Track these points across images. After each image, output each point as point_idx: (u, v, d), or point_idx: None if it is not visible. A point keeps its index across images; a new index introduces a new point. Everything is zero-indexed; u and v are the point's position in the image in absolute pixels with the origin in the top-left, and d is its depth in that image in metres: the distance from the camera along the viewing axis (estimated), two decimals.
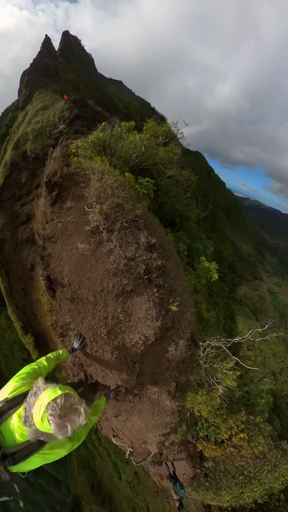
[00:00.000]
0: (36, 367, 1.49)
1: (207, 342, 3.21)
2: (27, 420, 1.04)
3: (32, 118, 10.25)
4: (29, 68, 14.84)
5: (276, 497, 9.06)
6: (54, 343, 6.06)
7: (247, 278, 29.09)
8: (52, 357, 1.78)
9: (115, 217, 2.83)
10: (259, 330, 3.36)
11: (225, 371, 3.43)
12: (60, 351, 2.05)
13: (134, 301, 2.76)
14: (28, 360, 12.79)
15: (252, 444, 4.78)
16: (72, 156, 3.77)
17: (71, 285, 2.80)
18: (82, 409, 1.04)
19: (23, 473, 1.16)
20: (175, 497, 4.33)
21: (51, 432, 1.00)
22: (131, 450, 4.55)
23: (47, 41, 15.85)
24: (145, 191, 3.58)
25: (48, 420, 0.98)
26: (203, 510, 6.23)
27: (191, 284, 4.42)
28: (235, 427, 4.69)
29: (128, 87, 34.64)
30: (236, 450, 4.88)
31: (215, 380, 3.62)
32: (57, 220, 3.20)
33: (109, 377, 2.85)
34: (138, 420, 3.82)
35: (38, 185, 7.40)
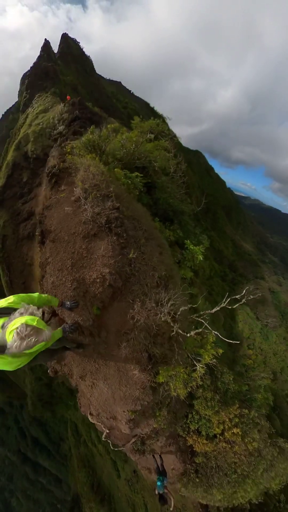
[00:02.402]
0: (33, 296, 1.90)
1: (171, 302, 3.22)
2: (3, 326, 1.40)
3: (33, 121, 10.51)
4: (29, 71, 15.17)
5: (276, 497, 8.97)
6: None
7: (247, 277, 28.95)
8: (46, 298, 2.19)
9: (91, 191, 3.85)
10: (237, 297, 3.44)
11: (200, 342, 3.58)
12: (54, 299, 2.45)
13: (96, 243, 3.60)
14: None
15: (246, 440, 4.52)
16: (67, 155, 4.72)
17: (55, 231, 3.85)
18: (43, 338, 1.39)
19: None
20: (155, 492, 4.22)
21: (10, 339, 1.33)
22: (108, 431, 4.43)
23: (46, 45, 16.19)
24: (129, 181, 4.24)
25: (14, 335, 1.32)
26: (200, 510, 6.16)
27: (187, 276, 4.77)
28: (227, 421, 4.51)
29: (127, 87, 34.94)
30: (229, 446, 4.59)
31: (193, 356, 3.71)
32: (53, 197, 4.37)
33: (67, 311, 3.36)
34: (105, 388, 3.76)
35: (39, 184, 7.61)
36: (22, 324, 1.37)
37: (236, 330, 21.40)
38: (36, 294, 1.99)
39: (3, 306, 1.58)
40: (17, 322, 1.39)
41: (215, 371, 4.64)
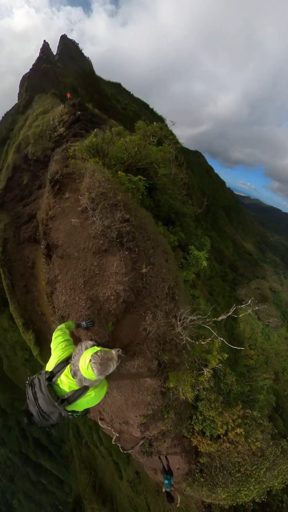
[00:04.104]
0: (63, 337, 1.94)
1: (184, 315, 3.27)
2: (75, 373, 1.48)
3: (33, 122, 10.50)
4: (28, 73, 15.19)
5: (279, 497, 8.96)
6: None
7: (248, 277, 28.89)
8: (65, 327, 2.23)
9: (99, 201, 3.69)
10: (243, 306, 3.44)
11: (207, 347, 3.58)
12: (70, 323, 2.48)
13: (108, 259, 3.50)
14: (30, 360, 12.95)
15: (249, 440, 4.62)
16: (70, 159, 4.60)
17: (63, 246, 3.69)
18: (115, 358, 1.50)
19: (77, 414, 1.60)
20: (163, 490, 4.42)
21: (94, 378, 1.40)
22: (118, 435, 4.51)
23: (45, 47, 16.21)
24: (133, 186, 4.18)
25: (92, 368, 1.39)
26: (203, 510, 6.20)
27: (189, 278, 4.78)
28: (231, 422, 4.57)
29: (127, 89, 34.95)
30: (233, 446, 4.70)
31: (200, 361, 3.75)
32: (57, 206, 4.19)
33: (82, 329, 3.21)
34: (118, 395, 3.80)
35: (40, 186, 7.60)
36: (92, 355, 1.43)
37: (238, 330, 21.35)
38: (61, 333, 2.02)
39: (64, 357, 1.64)
40: (85, 359, 1.44)
41: (218, 372, 4.67)
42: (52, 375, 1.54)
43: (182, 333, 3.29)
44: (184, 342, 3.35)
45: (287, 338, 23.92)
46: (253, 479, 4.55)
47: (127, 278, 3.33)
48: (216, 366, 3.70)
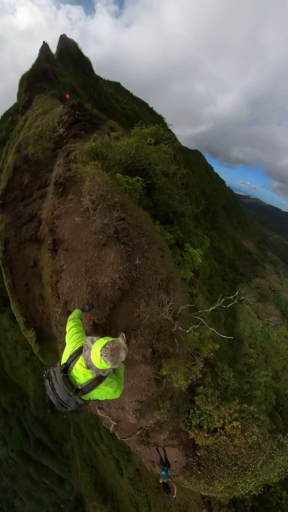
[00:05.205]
0: (77, 329, 2.03)
1: (171, 303, 3.58)
2: (90, 366, 1.57)
3: (32, 123, 10.57)
4: (28, 73, 15.23)
5: (279, 494, 9.06)
6: (55, 340, 6.30)
7: (248, 276, 28.95)
8: (77, 316, 2.39)
9: (99, 202, 4.24)
10: (231, 297, 3.80)
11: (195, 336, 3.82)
12: (78, 311, 2.65)
13: (106, 251, 4.05)
14: (31, 359, 13.04)
15: (246, 434, 4.73)
16: (72, 163, 5.07)
17: (68, 240, 4.33)
18: (123, 345, 1.58)
19: (89, 399, 1.71)
20: (160, 481, 4.51)
21: (108, 367, 1.50)
22: (115, 423, 4.74)
23: (45, 47, 16.25)
24: (131, 187, 4.53)
25: (105, 360, 1.48)
26: (203, 506, 6.30)
27: (188, 276, 4.99)
28: (227, 416, 4.68)
29: (126, 88, 34.91)
30: (229, 439, 4.79)
31: (193, 351, 4.01)
32: (62, 207, 4.87)
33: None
34: None
35: (40, 186, 7.69)
36: (101, 349, 1.51)
37: (237, 329, 21.42)
38: (74, 323, 2.15)
39: (77, 347, 1.72)
40: (96, 354, 1.53)
41: (215, 368, 4.77)
42: (67, 367, 1.64)
43: (172, 321, 3.58)
44: (175, 329, 3.65)
45: (287, 337, 23.98)
46: (249, 472, 4.64)
47: (122, 268, 3.83)
48: (208, 356, 3.92)
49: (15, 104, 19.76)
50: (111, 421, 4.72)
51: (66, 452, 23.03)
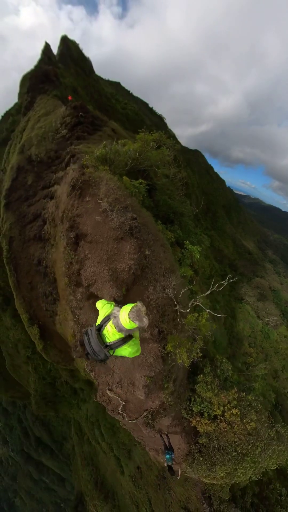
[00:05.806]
0: (107, 302, 2.44)
1: (173, 283, 4.34)
2: (121, 329, 1.92)
3: (35, 124, 10.68)
4: (30, 74, 15.34)
5: (278, 491, 9.16)
6: (58, 337, 6.40)
7: (248, 276, 29.02)
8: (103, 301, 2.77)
9: (115, 204, 5.28)
10: (223, 282, 4.24)
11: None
12: (103, 300, 2.99)
13: (123, 244, 5.16)
14: (32, 358, 13.12)
15: (244, 421, 4.97)
16: (85, 168, 5.85)
17: (91, 234, 5.34)
18: (144, 307, 1.90)
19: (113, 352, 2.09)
20: (165, 464, 4.76)
21: (135, 326, 1.82)
22: (124, 403, 5.18)
23: (47, 48, 16.36)
24: (137, 190, 5.16)
25: (133, 321, 1.81)
26: (203, 501, 6.43)
27: (187, 275, 5.43)
28: (227, 403, 4.92)
29: (126, 88, 35.02)
30: (229, 426, 5.03)
31: (194, 331, 4.56)
32: (81, 207, 5.82)
33: (105, 288, 4.83)
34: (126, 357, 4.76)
35: (44, 187, 7.81)
36: (128, 313, 1.81)
37: (237, 329, 21.51)
38: (102, 300, 2.58)
39: (108, 313, 2.11)
40: (124, 317, 1.85)
41: (215, 360, 4.95)
42: (100, 327, 2.08)
43: (174, 302, 4.24)
44: (177, 308, 4.33)
45: (287, 337, 24.06)
46: (249, 458, 4.84)
47: (136, 256, 4.92)
48: (207, 334, 4.48)
49: (16, 104, 19.86)
50: (120, 401, 5.20)
51: (67, 451, 23.08)
